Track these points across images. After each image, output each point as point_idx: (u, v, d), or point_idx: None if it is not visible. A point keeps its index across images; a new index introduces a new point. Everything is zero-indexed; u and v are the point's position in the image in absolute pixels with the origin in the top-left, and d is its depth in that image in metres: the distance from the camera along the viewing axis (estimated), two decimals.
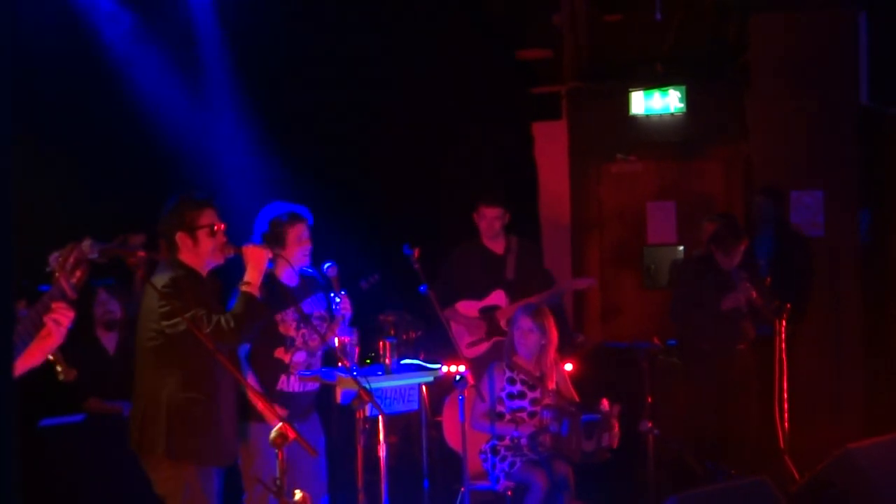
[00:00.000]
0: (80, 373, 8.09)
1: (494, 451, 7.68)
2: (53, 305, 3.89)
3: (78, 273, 4.06)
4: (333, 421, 7.20)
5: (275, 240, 6.54)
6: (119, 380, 7.12)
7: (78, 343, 8.05)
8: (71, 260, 4.05)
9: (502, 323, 8.74)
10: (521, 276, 8.99)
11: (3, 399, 2.09)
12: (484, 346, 8.88)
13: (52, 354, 4.04)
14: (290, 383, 6.60)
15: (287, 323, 6.58)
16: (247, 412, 6.25)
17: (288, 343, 6.57)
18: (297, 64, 10.39)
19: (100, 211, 8.73)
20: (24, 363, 3.89)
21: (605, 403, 7.53)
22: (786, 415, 8.65)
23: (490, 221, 8.93)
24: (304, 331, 6.60)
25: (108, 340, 8.47)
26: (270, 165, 10.14)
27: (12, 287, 2.17)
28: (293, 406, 6.54)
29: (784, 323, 8.64)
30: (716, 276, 8.94)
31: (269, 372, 6.54)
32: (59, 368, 4.14)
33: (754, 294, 8.79)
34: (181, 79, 10.14)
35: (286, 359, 6.57)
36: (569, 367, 8.40)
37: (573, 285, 10.11)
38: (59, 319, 3.86)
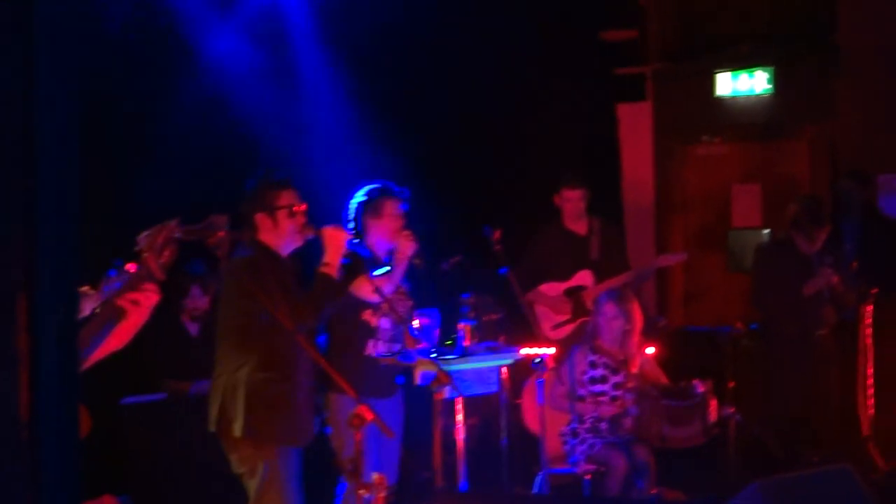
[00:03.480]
0: (161, 353, 8.23)
1: (574, 433, 7.66)
2: (139, 286, 3.89)
3: (166, 253, 4.06)
4: (413, 401, 7.20)
5: (372, 210, 6.56)
6: (199, 361, 7.18)
7: (162, 326, 8.19)
8: (160, 240, 4.05)
9: (588, 303, 8.72)
10: (605, 256, 8.99)
11: (68, 389, 2.11)
12: (570, 327, 8.87)
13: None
14: (377, 348, 6.60)
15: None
16: (328, 383, 6.26)
17: (375, 306, 6.56)
18: (384, 45, 10.39)
19: (186, 193, 8.82)
20: (110, 345, 3.91)
21: (697, 385, 7.49)
22: (870, 401, 8.54)
23: (573, 203, 8.94)
24: (391, 297, 6.57)
25: (192, 325, 8.56)
26: (355, 147, 10.17)
27: (76, 279, 2.19)
28: (378, 376, 6.55)
29: (870, 308, 8.51)
30: (797, 261, 8.83)
31: (356, 336, 6.54)
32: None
33: (836, 280, 8.67)
34: (268, 59, 10.19)
35: (373, 322, 6.57)
36: (651, 350, 8.35)
37: (663, 261, 9.78)
38: (139, 299, 3.87)
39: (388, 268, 6.44)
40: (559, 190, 8.99)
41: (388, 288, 6.42)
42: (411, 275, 6.81)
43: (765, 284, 9.10)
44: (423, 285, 7.14)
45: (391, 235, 6.56)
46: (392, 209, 6.63)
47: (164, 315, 8.20)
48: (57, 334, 2.08)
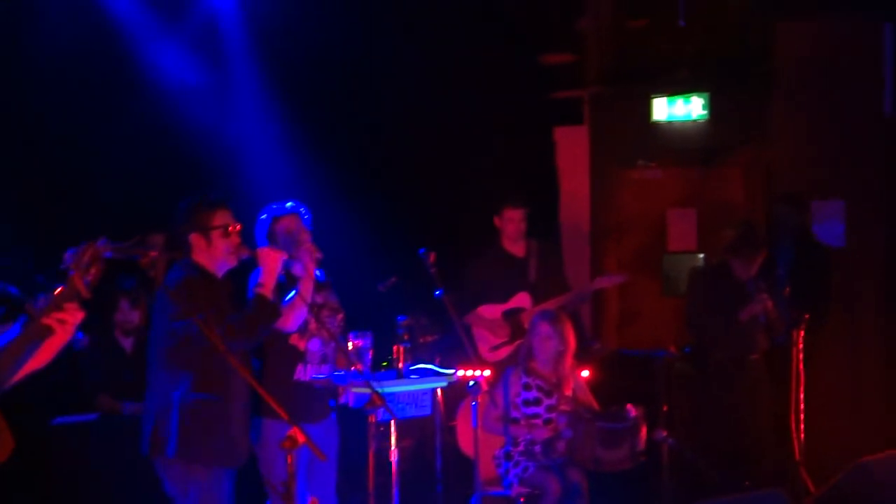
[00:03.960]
0: (95, 372, 8.17)
1: (508, 456, 7.66)
2: (65, 305, 3.88)
3: (93, 271, 4.06)
4: (346, 424, 7.18)
5: (268, 238, 6.51)
6: (134, 380, 7.13)
7: (95, 343, 8.12)
8: (86, 258, 4.05)
9: (527, 325, 8.73)
10: (543, 278, 8.99)
11: None
12: (508, 349, 8.86)
13: None
14: (306, 372, 6.56)
15: None
16: (259, 408, 6.22)
17: (301, 329, 6.52)
18: (321, 67, 10.40)
19: (117, 210, 8.77)
20: (34, 364, 3.89)
21: (630, 409, 7.51)
22: (802, 426, 8.60)
23: (515, 224, 8.94)
24: (316, 317, 6.53)
25: (126, 340, 8.49)
26: (291, 167, 10.15)
27: None
28: (310, 399, 6.51)
29: (802, 333, 8.58)
30: (731, 286, 8.89)
31: (286, 360, 6.50)
32: None
33: (770, 306, 8.74)
34: (205, 78, 10.17)
35: (301, 346, 6.53)
36: (585, 373, 8.37)
37: (601, 283, 9.61)
38: (65, 318, 3.86)
39: (292, 292, 6.37)
40: (500, 210, 8.98)
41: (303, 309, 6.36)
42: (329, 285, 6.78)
43: (699, 308, 9.16)
44: (356, 306, 7.12)
45: (293, 253, 6.46)
46: (283, 229, 6.57)
47: (98, 332, 8.16)
48: None
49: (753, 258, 8.84)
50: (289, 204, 6.66)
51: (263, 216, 6.62)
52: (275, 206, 6.65)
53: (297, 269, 6.45)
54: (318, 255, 6.45)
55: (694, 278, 9.67)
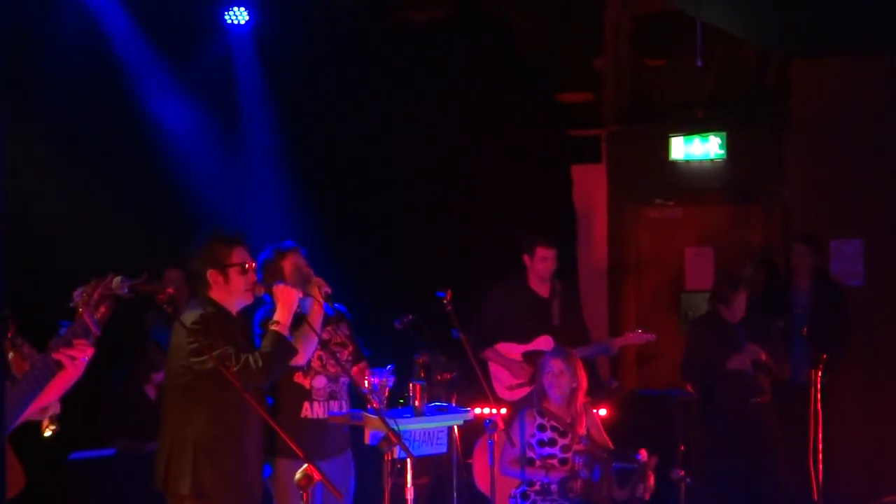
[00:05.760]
0: (121, 418, 8.16)
1: (524, 496, 7.63)
2: (74, 342, 3.88)
3: (102, 309, 4.05)
4: (363, 461, 7.15)
5: (274, 276, 6.46)
6: (156, 424, 7.14)
7: (123, 390, 8.12)
8: (95, 296, 4.05)
9: None
10: (565, 322, 8.93)
11: None
12: (526, 390, 8.82)
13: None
14: (313, 409, 6.53)
15: None
16: (274, 447, 6.21)
17: (305, 367, 6.50)
18: (333, 109, 10.44)
19: (132, 246, 8.80)
20: (43, 399, 3.89)
21: (643, 454, 7.47)
22: (820, 466, 8.54)
23: (546, 262, 8.86)
24: (321, 354, 6.52)
25: (152, 389, 8.49)
26: (305, 207, 10.17)
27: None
28: (322, 437, 6.49)
29: (820, 373, 8.53)
30: (723, 332, 8.85)
31: (292, 398, 6.47)
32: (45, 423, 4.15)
33: (763, 356, 8.69)
34: (214, 118, 10.22)
35: (306, 384, 6.51)
36: (602, 412, 8.33)
37: (629, 340, 9.29)
38: (75, 355, 3.86)
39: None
40: (532, 248, 8.89)
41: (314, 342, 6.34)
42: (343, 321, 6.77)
43: (693, 360, 9.10)
44: (373, 343, 7.11)
45: (301, 288, 6.43)
46: (291, 266, 6.54)
47: (126, 380, 8.17)
48: None
49: (735, 299, 8.81)
50: (288, 242, 6.65)
51: (267, 254, 6.58)
52: (276, 245, 6.62)
53: (304, 306, 6.43)
54: (327, 289, 6.44)
55: (690, 330, 9.62)
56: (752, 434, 8.80)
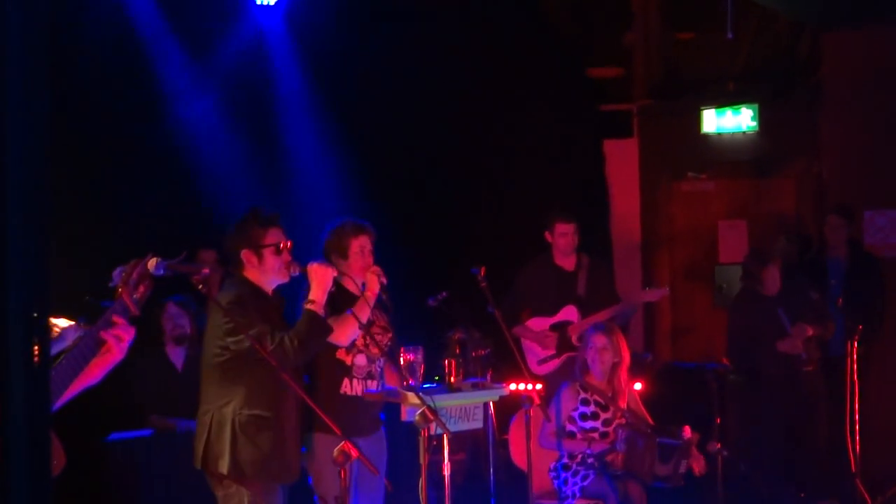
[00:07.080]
0: (145, 388, 8.20)
1: (566, 467, 7.64)
2: (116, 321, 3.90)
3: (141, 288, 4.06)
4: (399, 438, 7.18)
5: (337, 250, 6.51)
6: (185, 396, 7.14)
7: (146, 357, 8.14)
8: (134, 275, 4.06)
9: (574, 338, 8.74)
10: (591, 293, 8.97)
11: (39, 419, 2.10)
12: (556, 363, 8.87)
13: None
14: (353, 386, 6.55)
15: None
16: (311, 423, 6.24)
17: (349, 345, 6.53)
18: (368, 83, 10.45)
19: (167, 227, 8.85)
20: (84, 380, 3.90)
21: (686, 430, 7.48)
22: (857, 437, 8.53)
23: (566, 238, 8.92)
24: (365, 335, 6.54)
25: (177, 356, 8.48)
26: (340, 184, 10.19)
27: (48, 309, 2.17)
28: (359, 413, 6.52)
29: (856, 344, 8.51)
30: (762, 308, 8.86)
31: (333, 374, 6.50)
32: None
33: (810, 331, 8.70)
34: (253, 95, 10.24)
35: (348, 360, 6.53)
36: (638, 386, 8.35)
37: (644, 297, 9.61)
38: (121, 335, 3.87)
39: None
40: (551, 224, 8.96)
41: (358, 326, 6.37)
42: (390, 309, 6.79)
43: (736, 342, 9.12)
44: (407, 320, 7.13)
45: (359, 273, 6.48)
46: (357, 246, 6.56)
47: (148, 347, 8.17)
48: (26, 369, 2.07)
49: (766, 274, 8.82)
50: (364, 221, 6.67)
51: (340, 225, 6.60)
52: (352, 219, 6.65)
53: (348, 284, 6.44)
54: (384, 280, 6.47)
55: (732, 309, 9.62)
56: (798, 404, 8.82)
